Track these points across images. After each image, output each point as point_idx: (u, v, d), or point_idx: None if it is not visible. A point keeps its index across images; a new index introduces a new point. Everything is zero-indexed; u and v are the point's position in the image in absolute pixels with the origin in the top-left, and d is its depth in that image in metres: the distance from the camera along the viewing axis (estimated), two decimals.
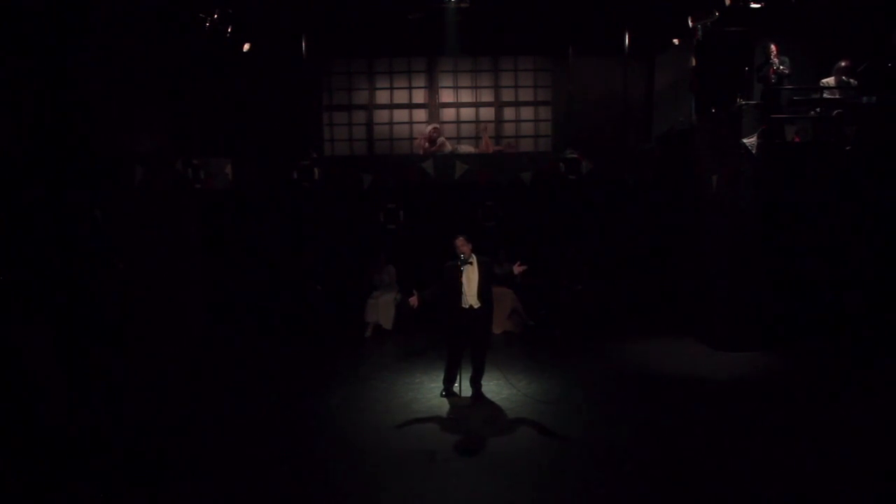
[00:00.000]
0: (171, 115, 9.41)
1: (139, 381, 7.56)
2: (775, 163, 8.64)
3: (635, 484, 4.84)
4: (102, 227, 8.07)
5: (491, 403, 6.73)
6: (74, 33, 7.94)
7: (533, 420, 6.18)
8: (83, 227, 7.91)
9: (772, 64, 9.16)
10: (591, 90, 11.85)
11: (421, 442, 5.68)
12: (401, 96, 12.36)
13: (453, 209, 11.09)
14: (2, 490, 4.83)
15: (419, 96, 12.33)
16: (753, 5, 8.96)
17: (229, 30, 10.05)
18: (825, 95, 9.03)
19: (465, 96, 12.36)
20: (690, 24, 9.62)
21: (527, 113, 12.47)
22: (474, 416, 6.38)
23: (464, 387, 6.91)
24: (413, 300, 6.71)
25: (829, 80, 9.23)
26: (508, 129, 12.43)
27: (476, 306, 6.58)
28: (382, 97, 12.36)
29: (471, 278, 6.57)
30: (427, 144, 11.33)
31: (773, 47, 9.20)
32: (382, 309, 10.07)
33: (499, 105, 12.39)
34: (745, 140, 8.44)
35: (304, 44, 11.38)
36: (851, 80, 9.11)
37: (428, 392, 7.11)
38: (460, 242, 6.62)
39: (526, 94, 12.41)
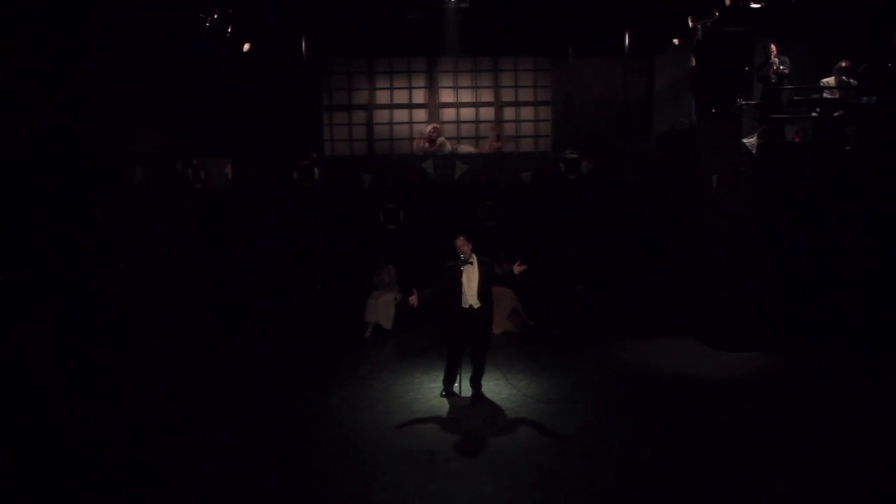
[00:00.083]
0: (171, 115, 9.40)
1: (139, 381, 7.56)
2: (775, 163, 8.64)
3: (635, 484, 4.84)
4: (102, 227, 8.06)
5: (491, 403, 6.73)
6: (74, 33, 7.94)
7: (533, 420, 6.18)
8: (83, 227, 7.90)
9: (772, 64, 9.16)
10: (591, 90, 11.85)
11: (421, 442, 5.68)
12: (401, 96, 12.36)
13: (453, 209, 11.10)
14: (2, 490, 4.83)
15: (419, 96, 12.33)
16: (753, 5, 8.95)
17: (229, 30, 10.05)
18: (825, 95, 9.03)
19: (465, 96, 12.36)
20: (690, 24, 9.62)
21: (527, 113, 12.47)
22: (474, 416, 6.38)
23: (464, 387, 6.91)
24: (413, 299, 6.71)
25: (829, 80, 9.22)
26: (508, 129, 12.43)
27: (476, 306, 6.58)
28: (382, 97, 12.36)
29: (471, 278, 6.57)
30: (427, 144, 11.33)
31: (773, 47, 9.20)
32: (382, 309, 10.07)
33: (499, 105, 12.39)
34: (745, 140, 8.44)
35: (304, 44, 11.38)
36: (851, 80, 9.11)
37: (428, 392, 7.11)
38: (460, 242, 6.62)
39: (526, 94, 12.41)
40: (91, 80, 8.17)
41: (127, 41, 8.49)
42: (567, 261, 10.80)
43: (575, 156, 10.75)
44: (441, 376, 7.03)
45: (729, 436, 5.69)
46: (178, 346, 8.79)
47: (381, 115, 12.38)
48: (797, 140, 8.59)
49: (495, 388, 7.13)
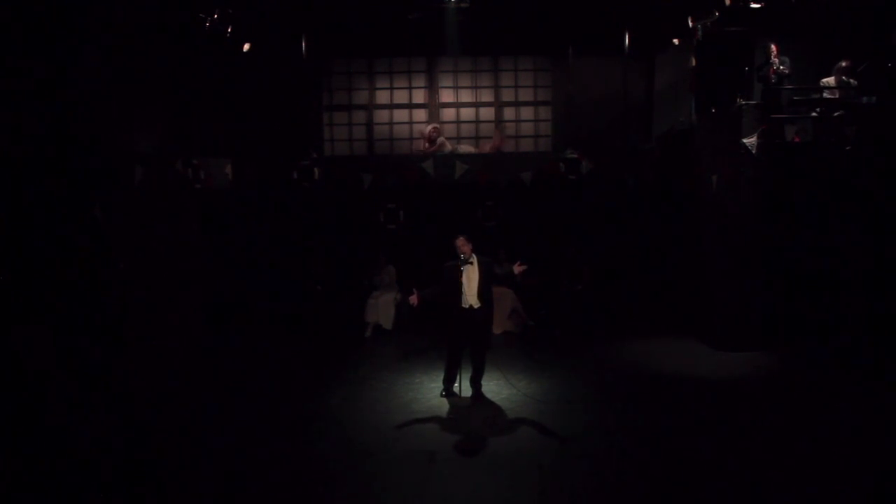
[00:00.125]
0: (171, 115, 9.40)
1: (139, 381, 7.56)
2: (775, 163, 8.64)
3: (635, 484, 4.84)
4: (102, 227, 8.06)
5: (491, 403, 6.73)
6: (75, 33, 7.94)
7: (533, 420, 6.18)
8: (83, 227, 7.90)
9: (772, 64, 9.16)
10: (591, 90, 11.85)
11: (421, 442, 5.68)
12: (401, 96, 12.36)
13: (453, 209, 11.09)
14: (2, 490, 4.83)
15: (419, 96, 12.33)
16: (753, 5, 8.95)
17: (229, 30, 10.05)
18: (825, 95, 9.03)
19: (465, 96, 12.36)
20: (690, 24, 9.62)
21: (527, 113, 12.47)
22: (474, 416, 6.38)
23: (464, 387, 6.91)
24: (413, 298, 6.71)
25: (829, 80, 9.22)
26: (508, 129, 12.43)
27: (476, 306, 6.59)
28: (382, 97, 12.36)
29: (471, 278, 6.57)
30: (427, 144, 11.33)
31: (773, 47, 9.19)
32: (382, 309, 10.07)
33: (499, 105, 12.39)
34: (745, 140, 8.44)
35: (304, 44, 11.38)
36: (851, 80, 9.11)
37: (428, 392, 7.11)
38: (461, 242, 6.62)
39: (526, 94, 12.41)
40: (91, 80, 8.16)
41: (127, 41, 8.49)
42: (567, 261, 10.80)
43: (575, 156, 10.75)
44: (441, 376, 7.03)
45: (729, 436, 5.69)
46: (178, 345, 8.79)
47: (381, 115, 12.38)
48: (797, 140, 8.59)
49: (495, 388, 7.13)
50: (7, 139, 7.28)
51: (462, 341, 6.71)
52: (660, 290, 10.78)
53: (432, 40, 11.34)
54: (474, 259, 6.61)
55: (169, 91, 9.34)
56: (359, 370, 8.10)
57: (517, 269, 6.69)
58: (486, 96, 12.34)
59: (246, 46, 10.60)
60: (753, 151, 8.45)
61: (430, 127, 11.52)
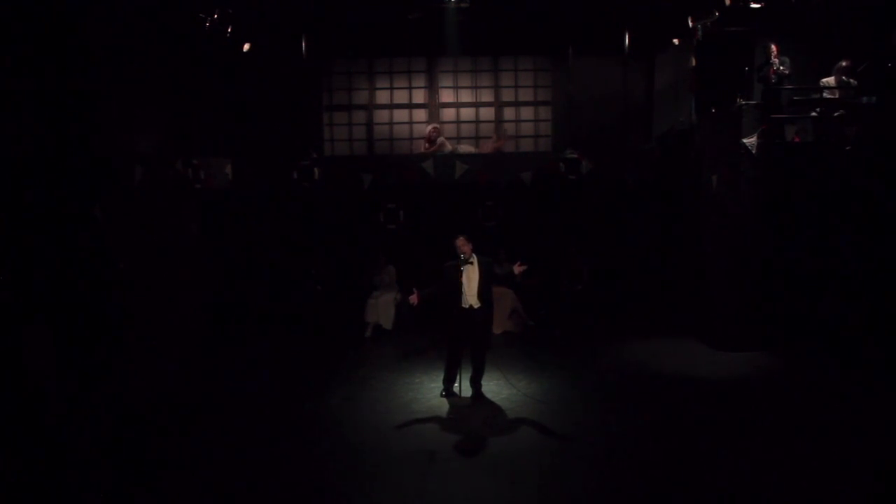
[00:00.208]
0: (171, 115, 9.40)
1: (139, 381, 7.56)
2: (775, 163, 8.64)
3: (635, 484, 4.84)
4: (102, 227, 8.06)
5: (491, 403, 6.73)
6: (75, 33, 7.94)
7: (533, 420, 6.18)
8: (83, 227, 7.90)
9: (772, 64, 9.16)
10: (591, 90, 11.85)
11: (421, 442, 5.68)
12: (401, 96, 12.37)
13: (453, 209, 11.10)
14: (2, 490, 4.83)
15: (419, 96, 12.33)
16: (753, 5, 8.96)
17: (229, 30, 10.05)
18: (825, 95, 9.03)
19: (465, 96, 12.36)
20: (690, 24, 9.62)
21: (527, 113, 12.47)
22: (474, 416, 6.38)
23: (464, 387, 6.91)
24: (413, 298, 6.72)
25: (829, 80, 9.22)
26: (508, 129, 12.43)
27: (476, 306, 6.59)
28: (382, 97, 12.36)
29: (471, 278, 6.57)
30: (427, 144, 11.34)
31: (773, 47, 9.20)
32: (382, 309, 10.06)
33: (499, 105, 12.39)
34: (745, 140, 8.44)
35: (304, 44, 11.39)
36: (851, 80, 9.11)
37: (428, 392, 7.11)
38: (461, 242, 6.62)
39: (526, 94, 12.42)
40: (91, 80, 8.17)
41: (127, 41, 8.49)
42: (567, 261, 10.80)
43: (575, 156, 10.75)
44: (441, 376, 7.03)
45: (729, 436, 5.69)
46: (177, 346, 8.79)
47: (381, 115, 12.38)
48: (797, 140, 8.59)
49: (495, 388, 7.13)
50: (7, 139, 7.28)
51: (462, 341, 6.71)
52: (660, 290, 10.78)
53: (432, 40, 11.34)
54: (474, 259, 6.61)
55: (169, 91, 9.34)
56: (359, 370, 8.10)
57: (517, 269, 6.69)
58: (486, 96, 12.35)
59: (246, 46, 10.61)
60: (753, 151, 8.45)
61: (430, 127, 11.53)
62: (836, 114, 8.61)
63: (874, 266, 8.32)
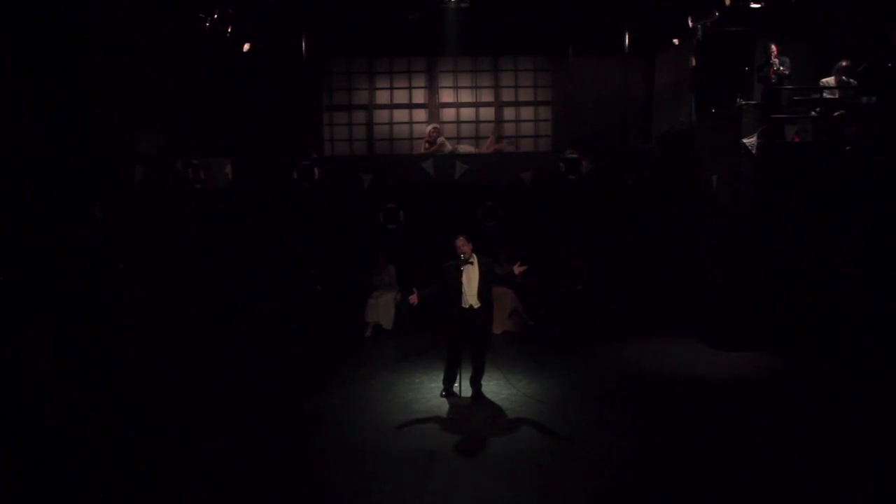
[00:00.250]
0: (171, 115, 9.41)
1: (139, 381, 7.56)
2: (775, 163, 8.64)
3: (635, 484, 4.84)
4: (102, 227, 8.06)
5: (491, 403, 6.73)
6: (75, 33, 7.94)
7: (533, 420, 6.18)
8: (83, 227, 7.90)
9: (772, 64, 9.16)
10: (591, 90, 11.86)
11: (421, 442, 5.68)
12: (401, 96, 12.37)
13: (453, 209, 11.10)
14: (2, 490, 4.83)
15: (419, 96, 12.33)
16: (753, 5, 8.96)
17: (229, 30, 10.05)
18: (825, 95, 9.03)
19: (465, 96, 12.36)
20: (690, 24, 9.62)
21: (527, 113, 12.47)
22: (474, 416, 6.38)
23: (464, 387, 6.91)
24: (413, 298, 6.71)
25: (829, 80, 9.22)
26: (508, 129, 12.44)
27: (476, 306, 6.59)
28: (382, 97, 12.36)
29: (471, 278, 6.57)
30: (427, 145, 11.34)
31: (773, 47, 9.20)
32: (382, 309, 10.07)
33: (499, 105, 12.39)
34: (745, 140, 8.44)
35: (304, 44, 11.39)
36: (851, 80, 9.11)
37: (428, 392, 7.11)
38: (461, 242, 6.62)
39: (526, 94, 12.42)
40: (91, 80, 8.17)
41: (127, 41, 8.49)
42: (567, 261, 10.81)
43: (575, 156, 10.75)
44: (441, 376, 7.03)
45: (729, 436, 5.69)
46: (177, 345, 8.79)
47: (381, 115, 12.38)
48: (797, 140, 8.59)
49: (495, 388, 7.13)
50: (7, 139, 7.28)
51: (462, 341, 6.71)
52: (660, 290, 10.78)
53: (432, 40, 11.35)
54: (474, 259, 6.61)
55: (169, 91, 9.34)
56: (359, 370, 8.10)
57: (517, 269, 6.69)
58: (486, 96, 12.35)
59: (246, 46, 10.61)
60: (753, 151, 8.45)
61: (430, 127, 11.53)
62: (835, 114, 8.61)
63: (874, 266, 8.32)
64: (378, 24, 11.24)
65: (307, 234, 11.37)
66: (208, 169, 9.61)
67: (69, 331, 7.31)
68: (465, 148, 11.66)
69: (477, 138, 12.21)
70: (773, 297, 8.81)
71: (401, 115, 12.37)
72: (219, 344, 9.48)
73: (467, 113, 12.39)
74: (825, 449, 5.37)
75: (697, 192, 9.44)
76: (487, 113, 12.36)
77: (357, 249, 11.31)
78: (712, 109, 9.05)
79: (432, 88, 12.29)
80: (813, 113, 8.79)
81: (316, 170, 10.78)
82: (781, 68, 9.17)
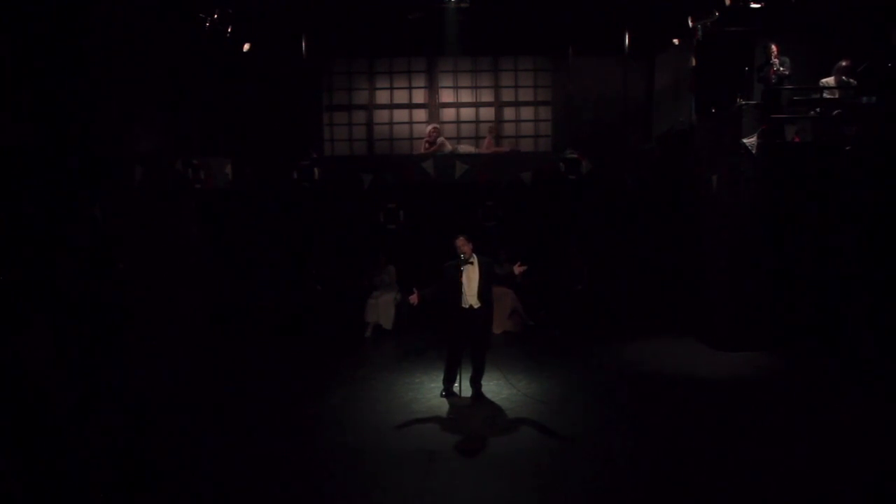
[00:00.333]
0: (171, 115, 9.41)
1: (139, 382, 7.55)
2: (775, 163, 8.64)
3: (635, 484, 4.84)
4: (102, 227, 8.06)
5: (491, 403, 6.73)
6: (75, 33, 7.94)
7: (533, 420, 6.18)
8: (83, 227, 7.90)
9: (772, 65, 9.15)
10: (591, 90, 11.86)
11: (421, 442, 5.67)
12: (401, 96, 12.37)
13: (453, 209, 11.10)
14: (3, 490, 4.83)
15: (419, 96, 12.33)
16: (753, 5, 8.95)
17: (229, 30, 10.05)
18: (825, 95, 9.03)
19: (465, 96, 12.36)
20: (690, 24, 9.62)
21: (527, 113, 12.47)
22: (474, 416, 6.38)
23: (464, 387, 6.91)
24: (413, 298, 6.71)
25: (829, 80, 9.22)
26: (508, 129, 12.44)
27: (476, 306, 6.58)
28: (382, 97, 12.36)
29: (471, 278, 6.57)
30: (427, 144, 11.34)
31: (773, 47, 9.19)
32: (382, 309, 10.06)
33: (499, 105, 12.39)
34: (745, 140, 8.44)
35: (304, 44, 11.39)
36: (851, 80, 9.11)
37: (428, 392, 7.11)
38: (461, 242, 6.62)
39: (526, 94, 12.42)
40: (91, 79, 8.17)
41: (127, 41, 8.50)
42: (567, 261, 10.80)
43: (575, 156, 10.75)
44: (441, 376, 7.03)
45: (729, 436, 5.69)
46: (177, 345, 8.79)
47: (381, 115, 12.38)
48: (797, 140, 8.59)
49: (495, 388, 7.13)
50: (7, 139, 7.28)
51: (462, 341, 6.71)
52: (660, 290, 10.78)
53: (432, 40, 11.35)
54: (474, 259, 6.61)
55: (169, 91, 9.34)
56: (359, 370, 8.10)
57: (517, 269, 6.68)
58: (486, 96, 12.35)
59: (246, 46, 10.61)
60: (753, 151, 8.44)
61: (430, 127, 11.53)
62: (835, 113, 8.61)
63: (874, 266, 8.32)
64: (378, 24, 11.24)
65: (307, 234, 11.37)
66: (208, 169, 9.61)
67: (69, 331, 7.31)
68: (465, 148, 11.66)
69: (477, 138, 12.21)
70: (773, 297, 8.81)
71: (401, 115, 12.37)
72: (218, 344, 9.48)
73: (467, 113, 12.39)
74: (825, 449, 5.37)
75: (697, 192, 9.44)
76: (487, 113, 12.36)
77: (357, 249, 11.31)
78: (712, 109, 9.05)
79: (432, 88, 12.29)
80: (813, 113, 8.79)
81: (316, 170, 10.78)
82: (781, 68, 9.17)
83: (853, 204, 8.47)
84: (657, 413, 6.35)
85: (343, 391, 7.21)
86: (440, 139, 11.38)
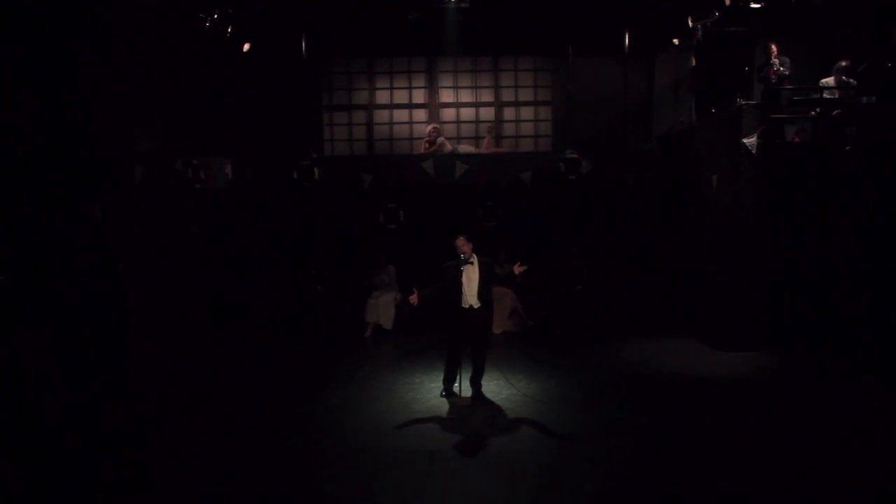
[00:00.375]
0: (171, 115, 9.39)
1: (139, 382, 7.56)
2: (775, 163, 8.64)
3: (635, 484, 4.84)
4: (102, 227, 8.06)
5: (491, 403, 6.73)
6: (74, 32, 7.94)
7: (533, 420, 6.18)
8: (83, 227, 7.90)
9: (772, 65, 9.15)
10: (591, 90, 11.86)
11: (421, 442, 5.68)
12: (401, 96, 12.37)
13: (453, 209, 11.10)
14: (2, 490, 4.83)
15: (419, 96, 12.34)
16: (753, 5, 8.96)
17: (229, 30, 10.05)
18: (825, 95, 9.03)
19: (465, 96, 12.37)
20: (690, 24, 9.62)
21: (527, 113, 12.47)
22: (474, 416, 6.38)
23: (464, 387, 6.91)
24: (413, 298, 6.71)
25: (829, 80, 9.22)
26: (508, 129, 12.44)
27: (476, 306, 6.58)
28: (382, 97, 12.36)
29: (471, 278, 6.57)
30: (427, 144, 11.34)
31: (773, 47, 9.20)
32: (382, 309, 10.07)
33: (499, 105, 12.39)
34: (745, 140, 8.44)
35: (304, 44, 11.39)
36: (851, 80, 9.11)
37: (428, 392, 7.11)
38: (461, 242, 6.62)
39: (526, 94, 12.42)
40: (91, 79, 8.17)
41: (127, 41, 8.49)
42: (567, 261, 10.80)
43: (575, 156, 10.75)
44: (441, 376, 7.03)
45: (729, 436, 5.69)
46: (177, 346, 8.78)
47: (381, 115, 12.38)
48: (797, 140, 8.59)
49: (495, 388, 7.13)
50: (7, 139, 7.28)
51: (462, 341, 6.71)
52: (660, 290, 10.78)
53: (432, 40, 11.35)
54: (474, 259, 6.61)
55: (169, 91, 9.33)
56: (359, 370, 8.10)
57: (517, 269, 6.68)
58: (486, 96, 12.35)
59: (246, 46, 10.61)
60: (753, 151, 8.45)
61: (430, 127, 11.53)
62: (835, 113, 8.61)
63: (874, 266, 8.32)
64: (378, 24, 11.24)
65: (307, 234, 11.37)
66: (208, 169, 9.60)
67: (69, 331, 7.31)
68: (465, 148, 11.66)
69: (477, 138, 12.21)
70: (773, 297, 8.81)
71: (401, 115, 12.38)
72: (219, 344, 9.48)
73: (467, 113, 12.39)
74: (825, 449, 5.37)
75: (697, 192, 9.44)
76: (487, 113, 12.36)
77: (357, 249, 11.31)
78: (712, 109, 9.05)
79: (432, 88, 12.29)
80: (813, 113, 8.79)
81: (316, 170, 10.78)
82: (781, 68, 9.17)
83: (853, 204, 8.47)
84: (657, 413, 6.35)
85: (343, 391, 7.21)
86: (440, 139, 11.38)
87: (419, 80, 12.32)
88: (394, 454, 5.39)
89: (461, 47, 11.39)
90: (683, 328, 9.65)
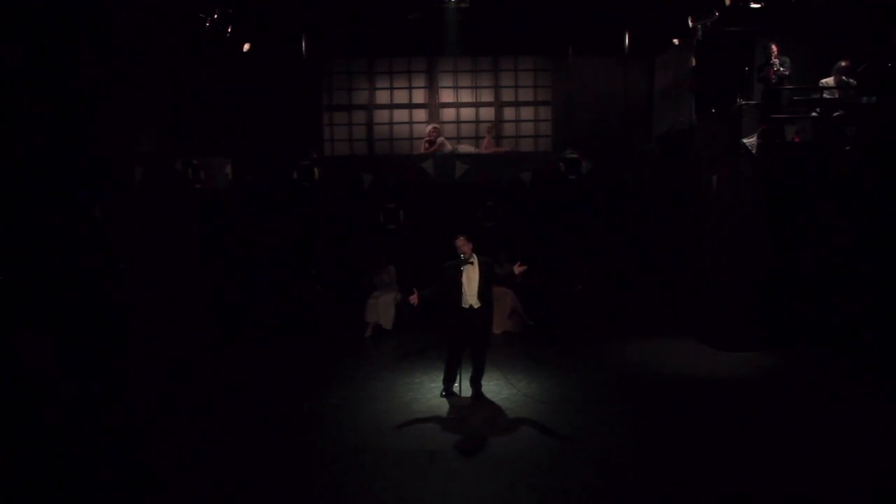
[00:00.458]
0: (171, 115, 9.40)
1: (139, 381, 7.56)
2: (775, 163, 8.64)
3: (635, 484, 4.84)
4: (102, 227, 8.06)
5: (491, 403, 6.73)
6: (74, 32, 7.94)
7: (533, 420, 6.18)
8: (83, 227, 7.90)
9: (772, 64, 9.15)
10: (591, 90, 11.87)
11: (421, 442, 5.67)
12: (401, 96, 12.37)
13: (453, 209, 11.10)
14: (2, 490, 4.83)
15: (419, 96, 12.34)
16: (753, 5, 8.96)
17: (229, 30, 10.05)
18: (825, 95, 9.03)
19: (465, 96, 12.37)
20: (690, 24, 9.63)
21: (527, 113, 12.48)
22: (474, 416, 6.38)
23: (464, 387, 6.91)
24: (413, 298, 6.71)
25: (829, 80, 9.22)
26: (508, 129, 12.44)
27: (476, 306, 6.58)
28: (382, 97, 12.36)
29: (471, 278, 6.57)
30: (427, 144, 11.34)
31: (773, 47, 9.19)
32: (382, 309, 10.07)
33: (499, 105, 12.39)
34: (745, 140, 8.45)
35: (304, 44, 11.39)
36: (851, 80, 9.11)
37: (428, 392, 7.11)
38: (461, 242, 6.62)
39: (526, 94, 12.42)
40: (91, 80, 8.17)
41: (127, 41, 8.49)
42: (567, 261, 10.81)
43: (575, 156, 10.76)
44: (441, 376, 7.03)
45: (729, 436, 5.69)
46: (177, 346, 8.79)
47: (381, 115, 12.38)
48: (797, 140, 8.59)
49: (495, 388, 7.13)
50: (7, 139, 7.28)
51: (462, 341, 6.71)
52: (660, 290, 10.78)
53: (432, 40, 11.35)
54: (474, 259, 6.61)
55: (169, 91, 9.34)
56: (359, 370, 8.11)
57: (517, 269, 6.68)
58: (486, 96, 12.35)
59: (246, 46, 10.61)
60: (753, 151, 8.45)
61: (430, 127, 11.53)
62: (835, 114, 8.61)
63: (874, 266, 8.32)
64: (378, 24, 11.24)
65: (307, 234, 11.37)
66: (208, 169, 9.61)
67: (69, 331, 7.31)
68: (465, 148, 11.66)
69: (477, 138, 12.21)
70: (773, 297, 8.81)
71: (401, 115, 12.38)
72: (219, 344, 9.48)
73: (467, 113, 12.40)
74: (825, 449, 5.37)
75: (697, 192, 9.44)
76: (487, 113, 12.36)
77: (357, 249, 11.31)
78: (712, 109, 9.06)
79: (432, 88, 12.30)
80: (813, 113, 8.79)
81: (316, 170, 10.78)
82: (781, 68, 9.17)
83: (853, 204, 8.47)
84: (657, 413, 6.35)
85: (343, 391, 7.21)
86: (440, 139, 11.38)
87: (419, 80, 12.33)
88: (394, 454, 5.39)
89: (461, 47, 11.39)
90: (683, 328, 9.66)
